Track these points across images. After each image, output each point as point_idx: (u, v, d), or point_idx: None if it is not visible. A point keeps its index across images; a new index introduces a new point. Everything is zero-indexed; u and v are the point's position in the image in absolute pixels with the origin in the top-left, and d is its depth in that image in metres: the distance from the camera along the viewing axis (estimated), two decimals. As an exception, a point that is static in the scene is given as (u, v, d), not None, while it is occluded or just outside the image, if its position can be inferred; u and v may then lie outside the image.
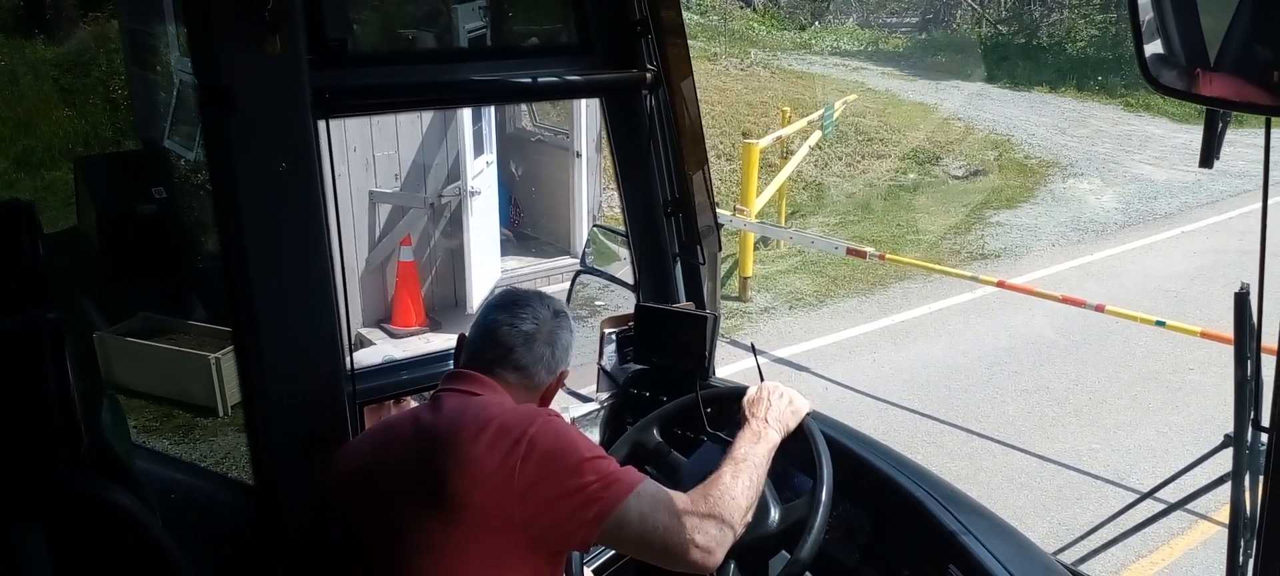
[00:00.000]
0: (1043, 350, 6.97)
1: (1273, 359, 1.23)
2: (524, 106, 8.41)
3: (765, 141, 9.34)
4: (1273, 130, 1.24)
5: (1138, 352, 6.76)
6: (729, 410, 2.05)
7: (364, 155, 6.93)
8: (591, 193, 8.27)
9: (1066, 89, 16.10)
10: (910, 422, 5.91)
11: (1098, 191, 11.48)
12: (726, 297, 8.07)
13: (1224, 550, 1.76)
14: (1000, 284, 7.11)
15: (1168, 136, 13.72)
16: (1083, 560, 2.56)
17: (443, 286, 7.57)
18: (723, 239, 8.11)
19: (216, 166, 1.80)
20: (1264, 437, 1.34)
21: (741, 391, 2.03)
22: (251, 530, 2.04)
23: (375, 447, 1.71)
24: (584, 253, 3.14)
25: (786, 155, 10.35)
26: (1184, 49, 1.09)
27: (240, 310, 1.86)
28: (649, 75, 2.48)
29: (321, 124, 1.85)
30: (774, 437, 1.85)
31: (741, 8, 22.82)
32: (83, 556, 1.38)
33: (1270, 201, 1.29)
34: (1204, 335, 5.67)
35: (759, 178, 8.52)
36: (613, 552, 2.37)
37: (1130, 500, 2.67)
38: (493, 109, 7.31)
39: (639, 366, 2.52)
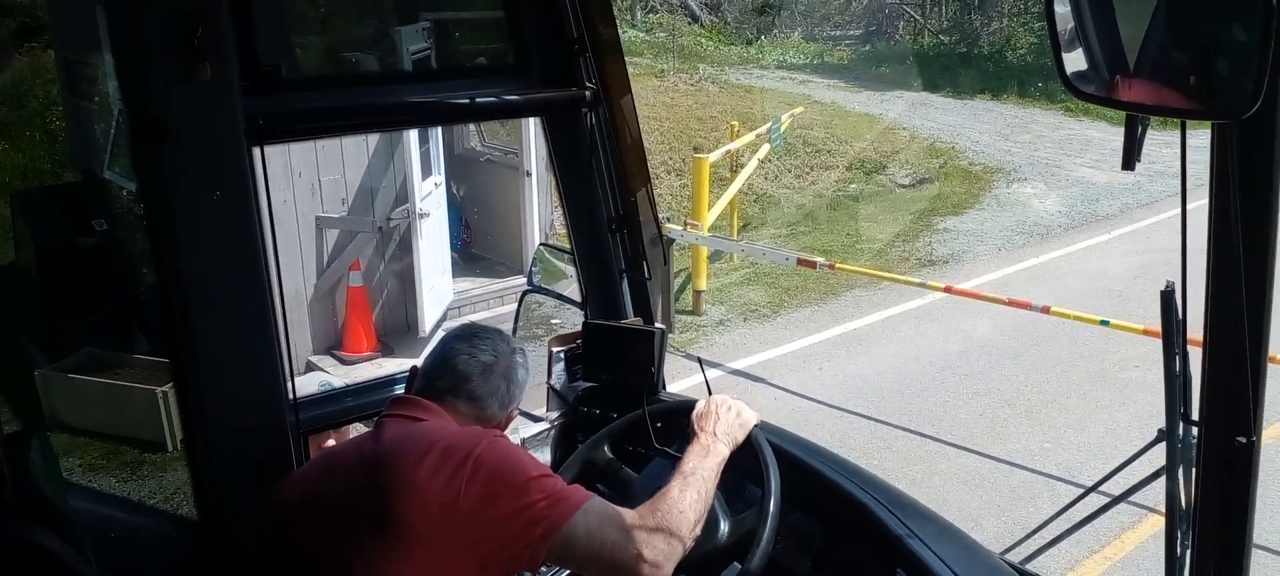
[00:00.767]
0: (992, 353, 7.07)
1: (1200, 353, 1.27)
2: (472, 126, 8.38)
3: (715, 156, 9.40)
4: (1188, 132, 1.30)
5: (1084, 352, 6.89)
6: (678, 425, 2.05)
7: (309, 180, 6.85)
8: (542, 212, 8.25)
9: (1008, 96, 16.43)
10: (865, 429, 5.97)
11: (1041, 195, 11.71)
12: (681, 312, 8.09)
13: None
14: (948, 289, 7.20)
15: (1107, 140, 14.04)
16: (1030, 558, 2.60)
17: (393, 310, 7.50)
18: (676, 254, 8.16)
19: (150, 198, 1.76)
20: (1194, 431, 1.38)
21: (690, 405, 2.03)
22: (197, 566, 2.00)
23: (320, 477, 1.68)
24: (531, 272, 3.13)
25: (736, 169, 10.43)
26: (1104, 56, 1.14)
27: (179, 343, 1.82)
28: (588, 93, 2.49)
29: (257, 150, 1.83)
30: (723, 451, 1.85)
31: (689, 23, 22.98)
32: None
33: (1191, 202, 1.33)
34: (1146, 332, 5.80)
35: (710, 192, 8.57)
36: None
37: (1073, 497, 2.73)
38: (439, 130, 7.27)
39: (588, 384, 2.51)
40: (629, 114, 2.58)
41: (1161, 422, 1.90)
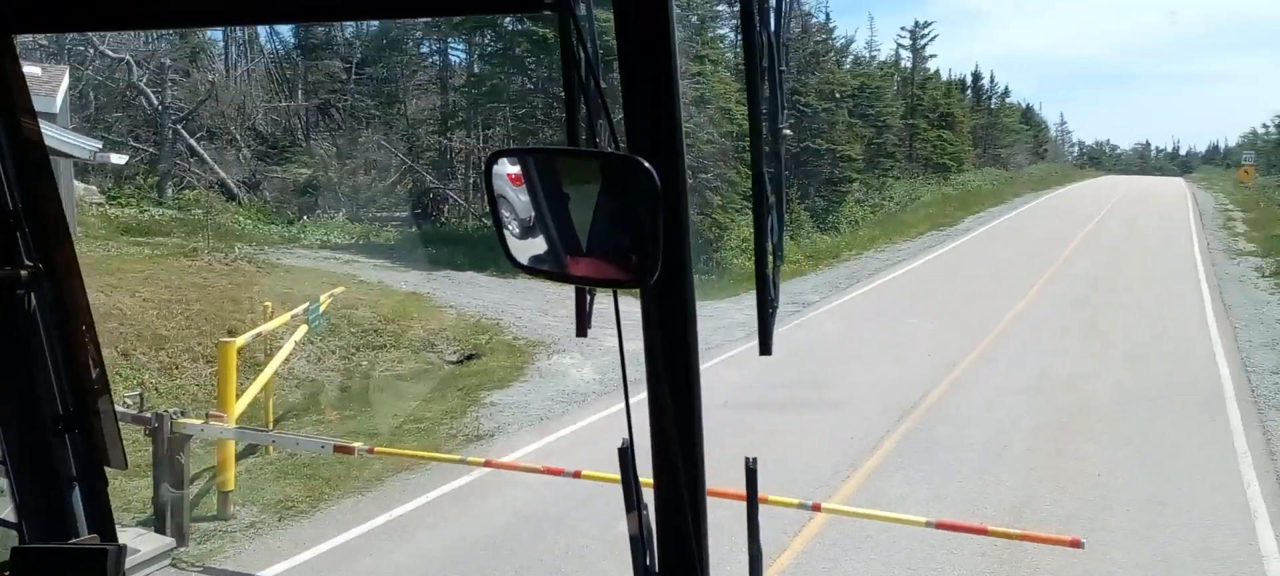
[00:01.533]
0: (536, 522, 7.17)
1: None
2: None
3: (243, 339, 8.73)
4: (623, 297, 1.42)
5: (619, 510, 7.23)
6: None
7: None
8: None
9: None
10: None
11: (578, 365, 12.46)
12: (204, 518, 7.21)
13: None
14: (488, 464, 7.24)
15: (635, 311, 15.47)
16: None
17: None
18: (195, 451, 7.31)
19: None
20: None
21: None
22: None
23: None
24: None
25: (272, 353, 9.79)
26: (556, 239, 1.34)
27: None
28: (24, 272, 2.10)
29: None
30: None
31: (226, 201, 21.76)
32: None
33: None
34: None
35: (243, 378, 7.89)
36: None
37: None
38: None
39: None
40: (78, 295, 2.22)
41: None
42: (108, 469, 2.32)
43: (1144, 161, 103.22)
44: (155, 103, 23.13)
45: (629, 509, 1.66)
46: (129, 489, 7.22)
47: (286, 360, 9.99)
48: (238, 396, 7.70)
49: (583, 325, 1.58)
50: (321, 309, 10.50)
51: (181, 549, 6.47)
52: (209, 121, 24.69)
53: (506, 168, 1.31)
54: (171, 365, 10.90)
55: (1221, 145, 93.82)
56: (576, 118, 1.40)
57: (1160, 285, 20.45)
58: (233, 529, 7.15)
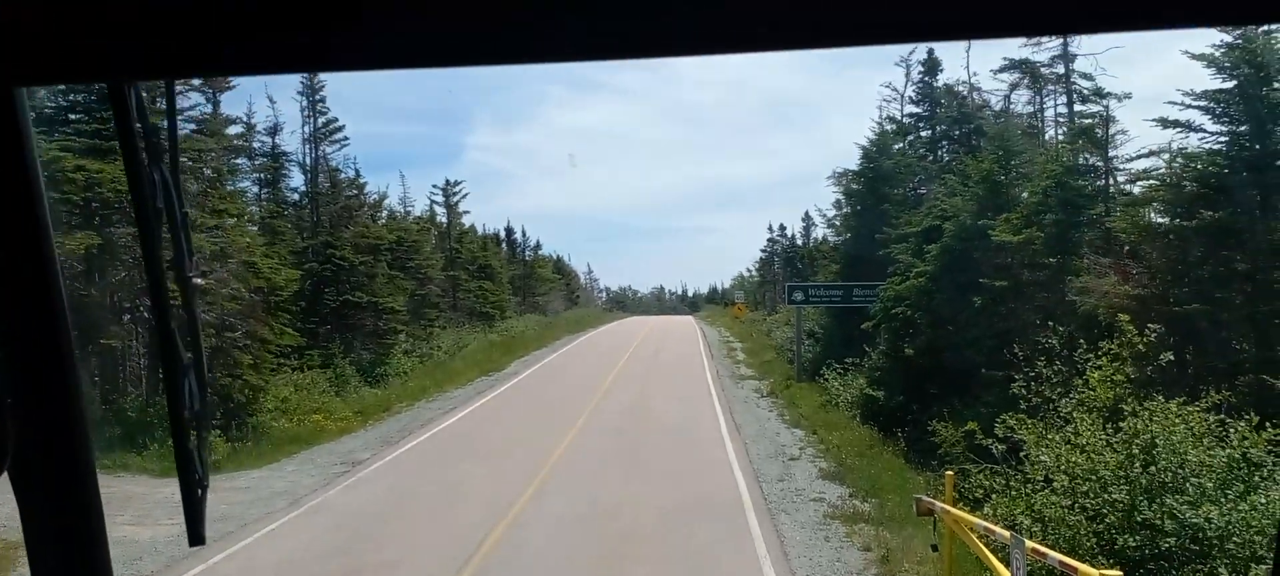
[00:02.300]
0: None
1: None
2: None
3: None
4: None
5: None
6: None
7: None
8: None
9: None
10: None
11: None
12: None
13: None
14: None
15: (149, 493, 13.44)
16: None
17: None
18: None
19: None
20: None
21: None
22: None
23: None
24: None
25: None
26: None
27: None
28: None
29: None
30: None
31: None
32: None
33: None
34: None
35: None
36: None
37: None
38: None
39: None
40: None
41: None
42: None
43: (660, 302, 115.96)
44: None
45: None
46: None
47: None
48: None
49: (193, 535, 1.32)
50: None
51: None
52: None
53: None
54: None
55: (719, 286, 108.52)
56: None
57: (684, 410, 22.58)
58: None
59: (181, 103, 21.04)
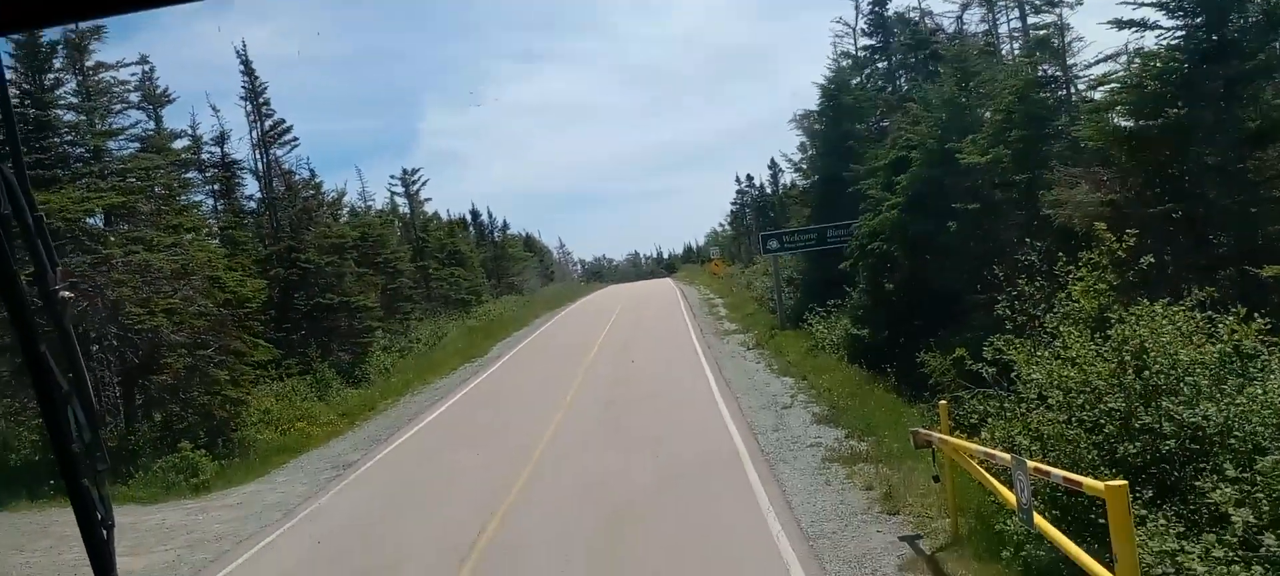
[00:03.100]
0: None
1: None
2: None
3: None
4: None
5: None
6: None
7: None
8: None
9: (17, 504, 14.38)
10: None
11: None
12: None
13: None
14: None
15: (139, 520, 13.18)
16: None
17: None
18: None
19: None
20: None
21: None
22: None
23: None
24: None
25: None
26: None
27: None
28: None
29: None
30: None
31: None
32: None
33: None
34: None
35: None
36: None
37: None
38: None
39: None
40: None
41: None
42: None
43: (637, 268, 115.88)
44: None
45: None
46: None
47: None
48: None
49: None
50: None
51: None
52: None
53: None
54: None
55: (694, 245, 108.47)
56: None
57: (671, 371, 22.49)
58: None
59: (121, 120, 20.44)
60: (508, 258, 68.97)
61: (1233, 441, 6.91)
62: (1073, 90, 19.47)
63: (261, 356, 20.46)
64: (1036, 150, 17.07)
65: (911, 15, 33.42)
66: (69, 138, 18.77)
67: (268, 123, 29.52)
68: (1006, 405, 9.62)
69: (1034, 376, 8.85)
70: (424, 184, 49.04)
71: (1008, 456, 6.60)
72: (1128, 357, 7.84)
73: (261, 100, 29.40)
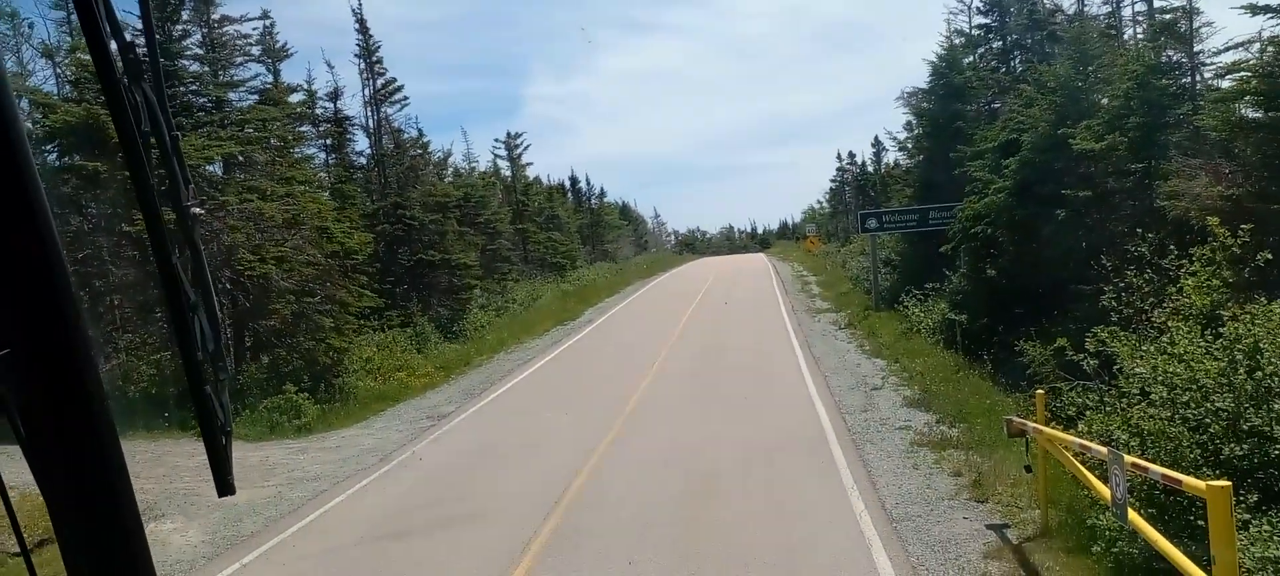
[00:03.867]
0: None
1: None
2: None
3: None
4: None
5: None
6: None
7: None
8: None
9: (134, 434, 15.27)
10: None
11: (182, 529, 10.79)
12: None
13: None
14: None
15: (245, 457, 13.86)
16: None
17: None
18: None
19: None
20: None
21: None
22: None
23: None
24: None
25: None
26: None
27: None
28: None
29: None
30: None
31: None
32: None
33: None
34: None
35: None
36: None
37: None
38: None
39: None
40: None
41: None
42: None
43: (730, 242, 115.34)
44: None
45: None
46: None
47: None
48: None
49: (221, 485, 1.31)
50: None
51: None
52: None
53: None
54: None
55: (789, 221, 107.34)
56: None
57: (760, 346, 22.43)
58: None
59: (241, 73, 21.34)
60: (603, 225, 69.50)
61: (1349, 451, 6.59)
62: (1198, 78, 18.53)
63: (366, 304, 21.20)
64: (1155, 139, 16.34)
65: (1030, -7, 32.20)
66: (194, 87, 19.67)
67: (380, 81, 30.36)
68: (1106, 399, 9.34)
69: (1138, 370, 8.57)
70: (526, 149, 49.60)
71: (1105, 449, 6.44)
72: (1240, 357, 7.52)
73: (374, 59, 30.24)
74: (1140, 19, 26.68)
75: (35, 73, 21.75)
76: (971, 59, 32.04)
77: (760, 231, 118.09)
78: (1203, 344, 8.15)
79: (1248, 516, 6.37)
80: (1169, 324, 9.02)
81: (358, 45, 30.20)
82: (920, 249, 27.62)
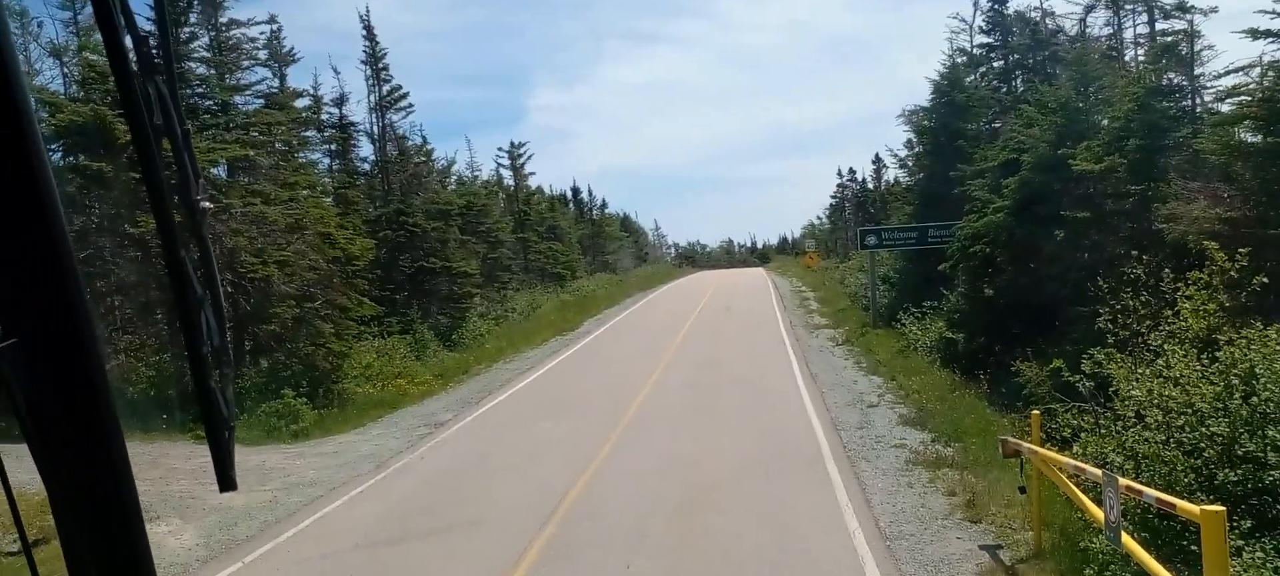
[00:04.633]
0: None
1: None
2: None
3: None
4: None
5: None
6: None
7: None
8: None
9: (132, 435, 15.28)
10: None
11: (178, 532, 10.80)
12: None
13: None
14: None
15: (242, 461, 13.88)
16: None
17: None
18: None
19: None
20: None
21: None
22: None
23: None
24: None
25: None
26: None
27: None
28: None
29: None
30: None
31: None
32: None
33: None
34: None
35: None
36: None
37: None
38: None
39: None
40: None
41: None
42: None
43: (730, 256, 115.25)
44: None
45: None
46: None
47: None
48: None
49: (223, 480, 1.28)
50: None
51: None
52: None
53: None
54: None
55: (789, 236, 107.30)
56: None
57: (758, 360, 22.46)
58: None
59: (248, 77, 21.43)
60: (604, 236, 69.59)
61: (1343, 478, 6.63)
62: (1198, 101, 18.63)
63: (366, 312, 21.24)
64: (1154, 161, 16.42)
65: (1032, 14, 32.40)
66: (200, 89, 19.76)
67: (385, 88, 30.48)
68: (1102, 421, 9.38)
69: (1134, 393, 8.61)
70: (529, 158, 49.69)
71: (1099, 472, 6.47)
72: (1236, 381, 7.57)
73: (381, 65, 30.36)
74: (1142, 41, 26.83)
75: (42, 72, 21.86)
76: (973, 78, 32.18)
77: (760, 246, 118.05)
78: (1199, 368, 8.20)
79: (1241, 542, 6.40)
80: (1165, 347, 9.05)
81: (364, 51, 30.34)
82: (918, 267, 27.67)
